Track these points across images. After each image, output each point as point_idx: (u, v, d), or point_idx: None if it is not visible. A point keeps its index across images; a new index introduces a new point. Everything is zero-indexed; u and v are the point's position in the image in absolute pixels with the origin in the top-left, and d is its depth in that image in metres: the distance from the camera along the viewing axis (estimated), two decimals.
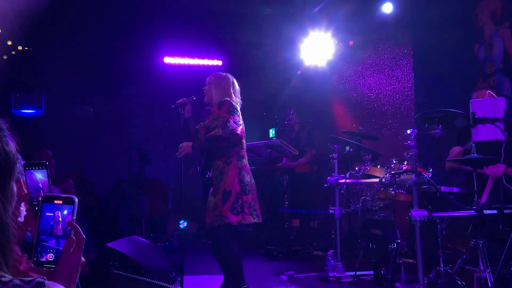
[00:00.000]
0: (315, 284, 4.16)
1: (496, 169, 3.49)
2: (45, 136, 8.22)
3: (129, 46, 7.98)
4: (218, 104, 3.66)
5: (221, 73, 3.85)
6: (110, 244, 3.71)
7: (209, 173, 3.87)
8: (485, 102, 3.39)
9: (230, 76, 3.81)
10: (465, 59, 5.27)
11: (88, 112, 8.70)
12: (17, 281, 0.90)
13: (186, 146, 3.62)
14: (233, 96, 3.74)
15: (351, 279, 4.16)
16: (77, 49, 8.11)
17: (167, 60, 8.50)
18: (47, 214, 1.17)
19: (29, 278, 0.92)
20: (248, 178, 3.63)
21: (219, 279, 3.88)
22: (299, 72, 7.98)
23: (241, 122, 3.64)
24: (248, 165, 3.71)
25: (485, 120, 3.24)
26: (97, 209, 7.40)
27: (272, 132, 9.37)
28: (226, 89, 3.73)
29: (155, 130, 6.94)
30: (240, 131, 3.60)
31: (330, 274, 4.28)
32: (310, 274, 4.57)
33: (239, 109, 3.67)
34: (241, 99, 3.81)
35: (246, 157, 3.72)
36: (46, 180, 1.39)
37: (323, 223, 6.68)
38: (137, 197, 6.51)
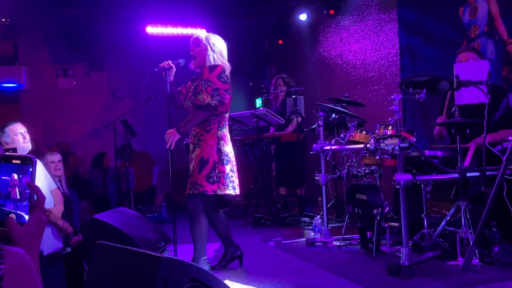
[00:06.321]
0: (302, 249, 4.21)
1: (479, 140, 3.53)
2: (28, 110, 8.11)
3: (110, 16, 7.80)
4: (209, 68, 3.42)
5: (210, 33, 3.56)
6: (97, 216, 3.70)
7: (187, 139, 3.69)
8: (469, 65, 3.39)
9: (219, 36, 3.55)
10: (450, 24, 5.24)
11: (71, 84, 8.57)
12: None
13: (172, 133, 3.35)
14: (226, 61, 3.50)
15: (338, 244, 4.23)
16: (57, 20, 7.91)
17: (150, 29, 8.34)
18: (3, 177, 1.14)
19: None
20: (228, 148, 3.47)
21: (211, 246, 3.93)
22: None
23: (231, 90, 3.44)
24: (228, 135, 3.54)
25: (468, 83, 3.24)
26: (84, 182, 7.38)
27: (258, 102, 9.33)
28: (220, 52, 3.47)
29: (140, 102, 6.86)
30: (228, 101, 3.44)
31: (317, 239, 4.34)
32: (297, 240, 4.63)
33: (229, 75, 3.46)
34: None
35: (227, 126, 3.55)
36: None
37: (309, 190, 6.75)
38: (124, 169, 6.48)
